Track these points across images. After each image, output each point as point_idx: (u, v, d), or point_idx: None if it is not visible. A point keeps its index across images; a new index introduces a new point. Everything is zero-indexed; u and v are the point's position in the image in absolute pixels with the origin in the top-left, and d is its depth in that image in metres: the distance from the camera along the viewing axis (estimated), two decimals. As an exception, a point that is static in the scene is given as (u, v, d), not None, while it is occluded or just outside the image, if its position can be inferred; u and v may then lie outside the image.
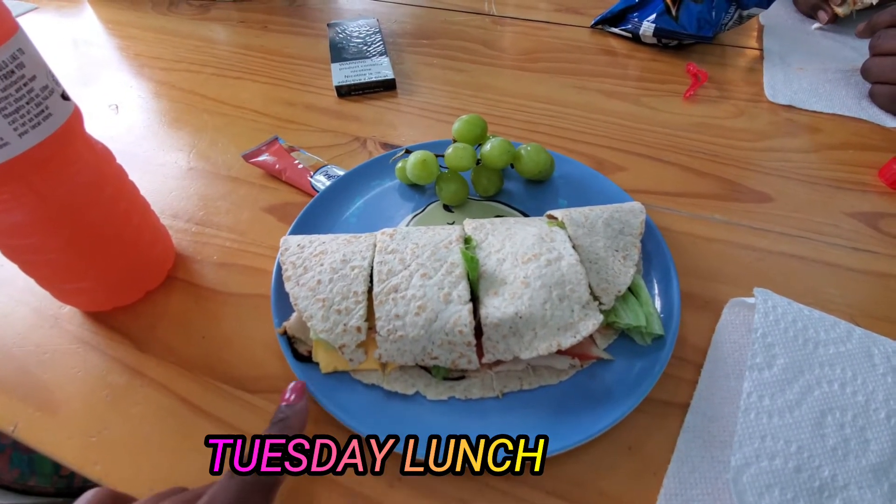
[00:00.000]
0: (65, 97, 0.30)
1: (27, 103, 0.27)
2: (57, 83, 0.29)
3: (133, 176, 0.37)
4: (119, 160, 0.36)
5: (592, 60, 0.64)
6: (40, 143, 0.28)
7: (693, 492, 0.28)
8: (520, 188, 0.45)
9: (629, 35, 0.67)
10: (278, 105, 0.58)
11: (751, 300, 0.35)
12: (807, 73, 0.61)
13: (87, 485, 0.61)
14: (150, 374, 0.34)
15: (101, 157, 0.33)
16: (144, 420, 0.32)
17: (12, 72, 0.26)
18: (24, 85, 0.27)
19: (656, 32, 0.63)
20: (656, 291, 0.36)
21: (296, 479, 0.29)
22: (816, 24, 0.71)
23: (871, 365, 0.30)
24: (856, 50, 0.66)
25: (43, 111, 0.28)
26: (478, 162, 0.43)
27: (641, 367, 0.32)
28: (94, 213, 0.32)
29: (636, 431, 0.31)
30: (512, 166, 0.44)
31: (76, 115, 0.31)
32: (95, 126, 0.56)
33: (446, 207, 0.44)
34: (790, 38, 0.68)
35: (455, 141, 0.43)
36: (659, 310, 0.35)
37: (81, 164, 0.31)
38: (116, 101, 0.59)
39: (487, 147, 0.41)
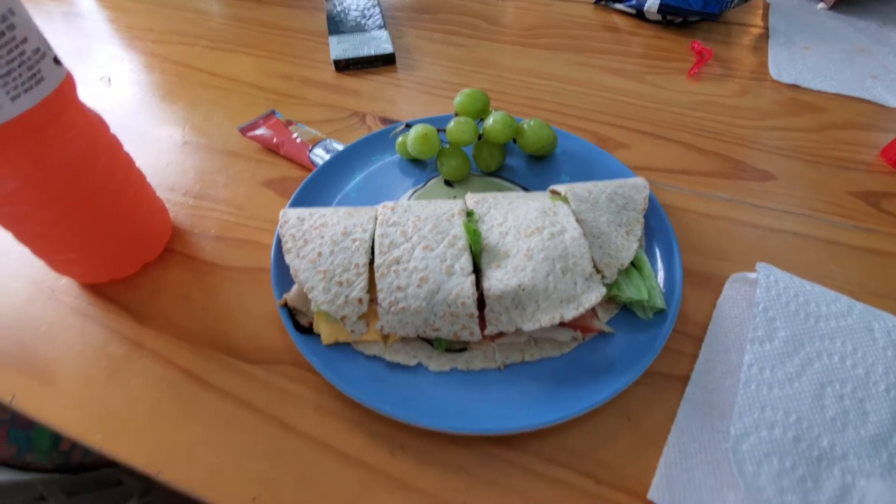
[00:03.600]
0: (57, 61, 0.29)
1: (19, 66, 0.26)
2: (49, 47, 0.29)
3: (127, 149, 0.36)
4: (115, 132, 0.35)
5: (596, 37, 0.63)
6: (33, 108, 0.27)
7: (693, 461, 0.28)
8: (522, 164, 0.45)
9: (633, 12, 0.66)
10: (274, 79, 0.56)
11: (752, 275, 0.35)
12: (812, 52, 0.61)
13: (85, 461, 0.61)
14: (149, 346, 0.34)
15: (95, 125, 0.33)
16: (145, 390, 0.32)
17: (3, 33, 0.25)
18: (16, 47, 0.26)
19: (661, 9, 0.62)
20: (659, 267, 0.36)
21: (297, 449, 0.29)
22: (822, 5, 0.70)
23: (871, 339, 0.31)
24: (861, 31, 0.66)
25: (35, 75, 0.27)
26: (479, 137, 0.42)
27: (642, 341, 0.32)
28: (90, 182, 0.32)
29: (636, 403, 0.31)
30: (514, 141, 0.43)
31: (69, 81, 0.30)
32: (87, 99, 0.54)
33: (447, 183, 0.43)
34: (796, 18, 0.67)
35: (457, 115, 0.43)
36: (661, 285, 0.34)
37: (75, 131, 0.30)
38: (108, 74, 0.58)
39: (489, 121, 0.41)
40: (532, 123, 0.42)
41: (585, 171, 0.43)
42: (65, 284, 0.37)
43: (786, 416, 0.28)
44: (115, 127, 0.35)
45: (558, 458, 0.29)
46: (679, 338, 0.34)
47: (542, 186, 0.41)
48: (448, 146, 0.43)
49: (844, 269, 0.38)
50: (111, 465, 0.63)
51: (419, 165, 0.45)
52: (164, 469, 0.28)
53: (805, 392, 0.29)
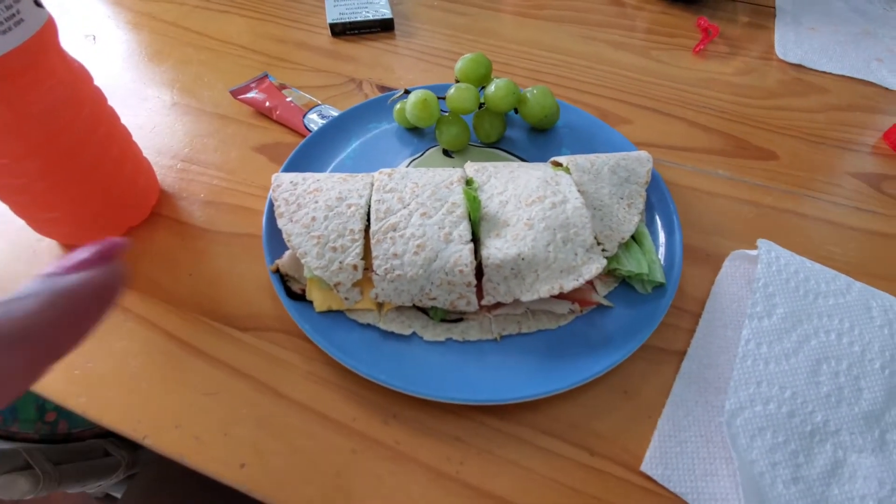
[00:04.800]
0: (38, 4, 0.27)
1: (-6, 4, 0.24)
2: (29, -13, 0.27)
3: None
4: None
5: (601, 10, 0.61)
6: (12, 51, 0.25)
7: (686, 434, 0.28)
8: (523, 136, 0.44)
9: (639, -15, 0.64)
10: (268, 42, 0.54)
11: (753, 252, 0.34)
12: (818, 33, 0.60)
13: (72, 432, 0.60)
14: (134, 310, 0.33)
15: (78, 74, 0.31)
16: (130, 354, 0.31)
17: (-25, -35, 0.23)
18: (-9, -17, 0.24)
19: (668, -17, 0.60)
20: (660, 242, 0.35)
21: (288, 416, 0.28)
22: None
23: (868, 317, 0.30)
24: (866, 14, 0.65)
25: (14, 15, 0.25)
26: (481, 105, 0.41)
27: (640, 315, 0.32)
28: (71, 135, 0.30)
29: (633, 377, 0.30)
30: (516, 111, 0.42)
31: (50, 26, 0.28)
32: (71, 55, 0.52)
33: (446, 153, 0.42)
34: (803, -3, 0.66)
35: (457, 81, 0.41)
36: (661, 260, 0.34)
37: (56, 80, 0.29)
38: (93, 32, 0.55)
39: (492, 88, 0.40)
40: (536, 91, 0.41)
41: (587, 144, 0.42)
42: (46, 246, 0.36)
43: (781, 391, 0.28)
44: (101, 86, 0.33)
45: (553, 430, 0.28)
46: (677, 313, 0.33)
47: (542, 159, 0.40)
48: (448, 114, 0.41)
49: (844, 250, 0.37)
50: (98, 436, 0.62)
51: (417, 134, 0.43)
52: (149, 434, 0.28)
53: (801, 368, 0.29)
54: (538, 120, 0.41)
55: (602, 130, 0.43)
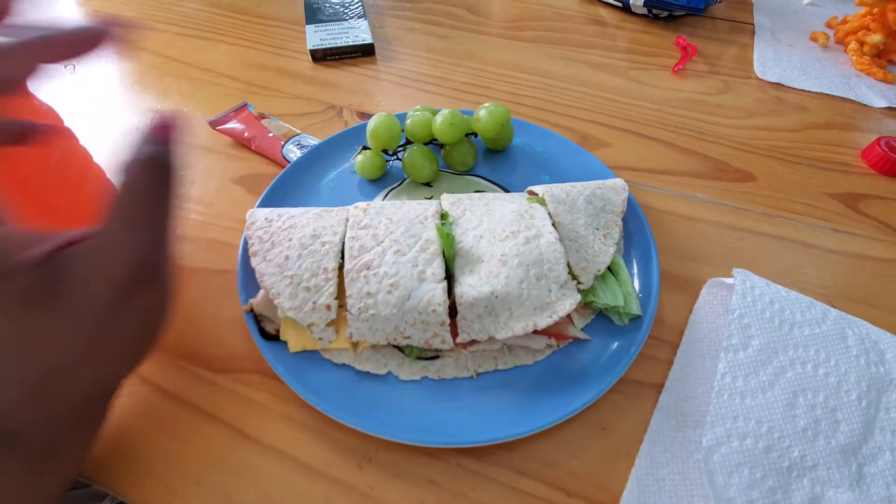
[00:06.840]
0: (1, 51, 0.27)
1: (-46, 56, 0.24)
2: (-9, 36, 0.27)
3: (91, 142, 0.34)
4: (74, 124, 0.33)
5: (581, 31, 0.62)
6: (-27, 102, 0.25)
7: (664, 471, 0.28)
8: (501, 162, 0.44)
9: (619, 4, 0.64)
10: (249, 69, 0.54)
11: (729, 280, 0.34)
12: (797, 50, 0.60)
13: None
14: (108, 352, 0.32)
15: (47, 118, 0.31)
16: (102, 400, 0.30)
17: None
18: (-50, 35, 0.24)
19: (647, 3, 0.61)
20: (636, 271, 0.35)
21: (261, 462, 0.28)
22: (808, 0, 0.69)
23: (844, 347, 0.30)
24: (846, 28, 0.65)
25: (-26, 66, 0.25)
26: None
27: (618, 348, 0.31)
28: (42, 182, 0.30)
29: (610, 411, 0.30)
30: (475, 135, 0.42)
31: (15, 72, 0.28)
32: (50, 87, 0.52)
33: (425, 182, 0.42)
34: (782, 14, 0.67)
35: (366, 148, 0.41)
36: (637, 289, 0.34)
37: (23, 126, 0.29)
38: (73, 62, 0.55)
39: (438, 120, 0.39)
40: (490, 107, 0.40)
41: (566, 170, 0.42)
42: (20, 286, 0.35)
43: (758, 426, 0.28)
44: (79, 118, 0.33)
45: (529, 470, 0.28)
46: (655, 343, 0.33)
47: (521, 186, 0.40)
48: (413, 147, 0.41)
49: (820, 274, 0.37)
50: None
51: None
52: (120, 484, 0.27)
53: (777, 401, 0.29)
54: (496, 132, 0.40)
55: (580, 156, 0.43)
